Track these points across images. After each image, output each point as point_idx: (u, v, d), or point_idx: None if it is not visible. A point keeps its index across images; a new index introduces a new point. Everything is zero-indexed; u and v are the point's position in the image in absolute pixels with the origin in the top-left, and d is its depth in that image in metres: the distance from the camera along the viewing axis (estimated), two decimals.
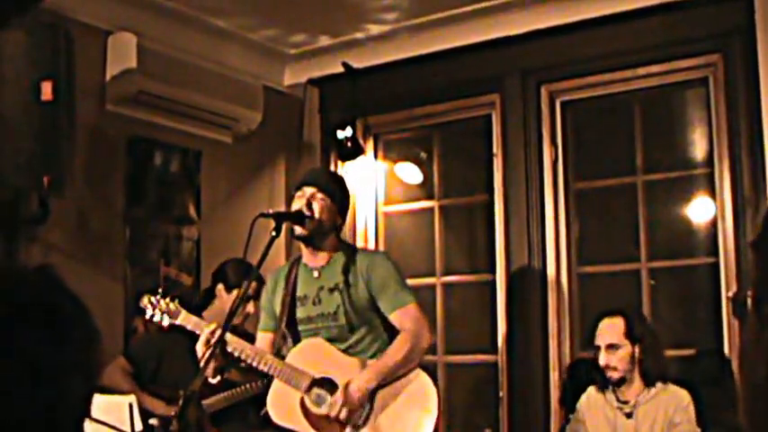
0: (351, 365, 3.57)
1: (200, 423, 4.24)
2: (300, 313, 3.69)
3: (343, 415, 3.47)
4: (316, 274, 3.70)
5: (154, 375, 4.49)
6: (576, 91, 5.15)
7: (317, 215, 3.61)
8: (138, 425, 3.53)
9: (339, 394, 3.49)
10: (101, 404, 3.42)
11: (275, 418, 3.62)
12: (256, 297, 4.39)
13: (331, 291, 3.65)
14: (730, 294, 4.50)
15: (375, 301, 3.64)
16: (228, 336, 3.51)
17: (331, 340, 3.62)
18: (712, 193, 4.73)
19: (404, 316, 3.61)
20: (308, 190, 3.66)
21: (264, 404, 4.28)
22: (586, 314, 4.93)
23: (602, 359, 4.12)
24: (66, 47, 4.12)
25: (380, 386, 3.53)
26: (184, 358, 3.98)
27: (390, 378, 3.54)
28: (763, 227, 1.38)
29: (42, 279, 1.37)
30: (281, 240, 4.69)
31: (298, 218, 3.60)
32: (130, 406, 3.52)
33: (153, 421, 4.21)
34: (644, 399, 4.06)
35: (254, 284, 4.49)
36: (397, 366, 3.54)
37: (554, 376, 4.91)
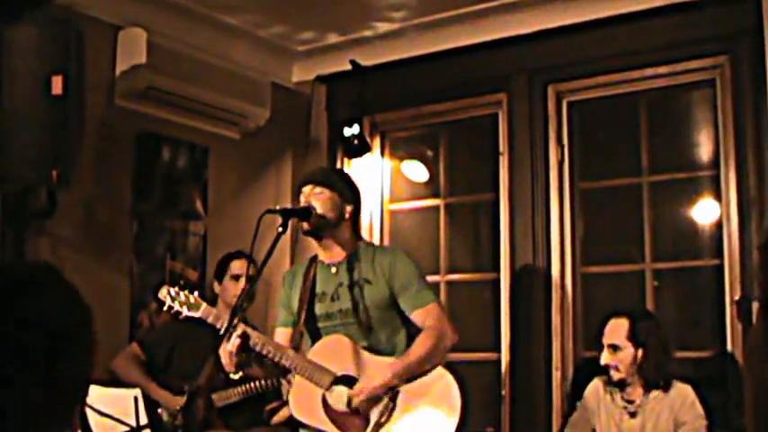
0: (372, 363, 3.55)
1: (208, 417, 4.27)
2: (319, 310, 3.68)
3: (358, 405, 3.46)
4: (333, 270, 3.70)
5: (165, 365, 4.52)
6: (582, 91, 5.16)
7: (319, 210, 3.61)
8: (143, 418, 3.55)
9: (361, 385, 3.48)
10: (106, 397, 3.45)
11: (296, 414, 3.61)
12: (251, 278, 4.47)
13: (351, 287, 3.63)
14: (736, 298, 4.50)
15: (395, 299, 3.62)
16: (250, 330, 3.51)
17: (350, 337, 3.60)
18: (717, 195, 4.74)
19: (426, 314, 3.59)
20: (306, 189, 3.67)
21: (271, 400, 4.32)
22: (590, 314, 4.94)
23: (603, 358, 4.13)
24: (77, 42, 4.13)
25: (405, 384, 3.50)
26: (198, 349, 4.00)
27: (413, 375, 3.50)
28: None
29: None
30: (287, 237, 4.70)
31: (304, 214, 3.61)
32: (135, 399, 3.54)
33: (161, 410, 4.24)
34: (649, 399, 4.07)
35: (243, 263, 4.57)
36: (419, 363, 3.51)
37: (556, 375, 4.92)
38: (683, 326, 4.85)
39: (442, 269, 5.51)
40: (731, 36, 4.66)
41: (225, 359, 3.43)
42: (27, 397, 1.26)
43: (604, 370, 4.16)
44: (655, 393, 4.06)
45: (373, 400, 3.49)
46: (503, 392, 5.08)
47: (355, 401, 3.48)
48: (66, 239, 4.58)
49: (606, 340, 4.14)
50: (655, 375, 4.06)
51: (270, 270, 4.50)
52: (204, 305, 3.70)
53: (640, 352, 4.07)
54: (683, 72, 4.89)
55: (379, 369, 3.53)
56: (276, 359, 3.53)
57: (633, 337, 4.08)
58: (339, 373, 3.55)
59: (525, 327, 5.03)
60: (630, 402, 4.11)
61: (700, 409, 3.99)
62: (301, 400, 3.60)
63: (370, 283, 3.63)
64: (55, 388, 1.29)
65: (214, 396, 4.34)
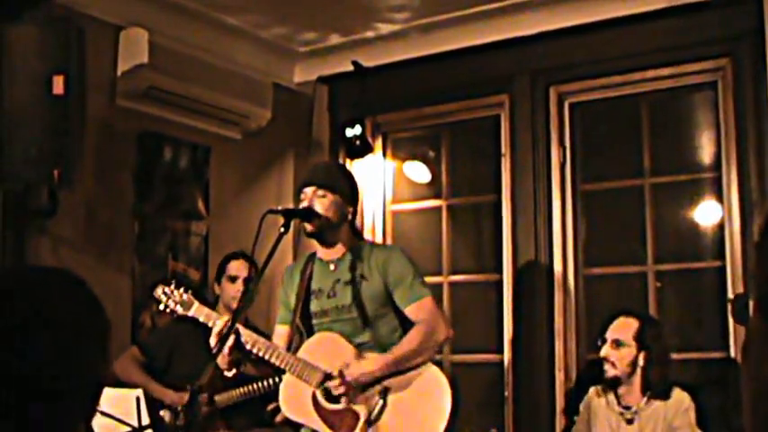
0: (365, 360, 3.56)
1: (210, 417, 4.26)
2: (315, 306, 3.69)
3: (337, 390, 3.46)
4: (332, 267, 3.70)
5: (166, 366, 4.51)
6: (584, 93, 5.16)
7: (322, 213, 3.62)
8: (145, 418, 3.55)
9: (346, 371, 3.48)
10: (108, 397, 3.44)
11: (287, 412, 3.62)
12: (249, 279, 4.51)
13: (347, 283, 3.64)
14: (730, 296, 4.49)
15: (390, 296, 3.63)
16: (241, 328, 3.52)
17: (345, 334, 3.61)
18: (719, 197, 4.74)
19: (419, 309, 3.59)
20: (309, 190, 3.66)
21: (272, 400, 4.31)
22: (592, 315, 4.94)
23: (604, 350, 4.12)
24: (78, 41, 4.13)
25: (393, 377, 3.51)
26: (197, 350, 3.99)
27: (402, 367, 3.51)
28: (765, 227, 1.38)
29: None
30: (289, 237, 4.70)
31: (306, 214, 3.61)
32: (138, 399, 3.54)
33: (163, 413, 4.23)
34: (647, 405, 4.06)
35: (239, 263, 4.58)
36: (407, 357, 3.51)
37: (559, 377, 4.92)
38: (686, 327, 4.85)
39: (444, 270, 5.50)
40: (733, 38, 4.67)
41: (219, 357, 3.43)
42: (43, 402, 1.26)
43: (601, 373, 4.16)
44: (654, 402, 4.05)
45: (358, 390, 3.49)
46: (506, 393, 5.08)
47: (336, 390, 3.47)
48: (68, 239, 4.58)
49: (611, 335, 4.13)
50: (657, 380, 4.05)
51: (272, 270, 4.50)
52: (196, 304, 3.71)
53: (642, 354, 4.07)
54: (684, 74, 4.89)
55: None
56: (266, 357, 3.54)
57: (640, 338, 4.08)
58: (329, 371, 3.54)
59: (528, 328, 5.03)
60: (627, 408, 4.10)
61: (692, 417, 3.99)
62: (292, 397, 3.61)
63: (366, 280, 3.64)
64: (69, 395, 1.29)
65: (216, 397, 4.34)
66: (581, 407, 4.27)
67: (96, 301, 1.37)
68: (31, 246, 4.42)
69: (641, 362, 4.07)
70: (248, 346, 3.52)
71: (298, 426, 3.71)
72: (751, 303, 4.28)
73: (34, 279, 1.35)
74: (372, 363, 3.51)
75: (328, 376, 3.54)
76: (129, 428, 3.43)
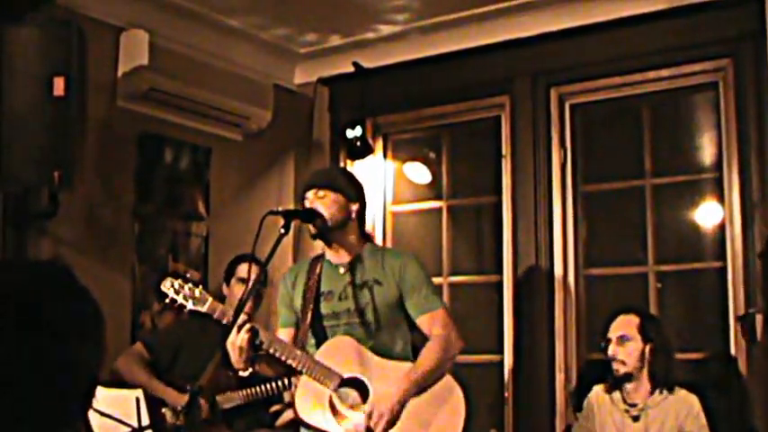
0: (380, 366, 3.55)
1: (212, 418, 4.25)
2: (325, 308, 3.65)
3: (380, 428, 3.44)
4: (342, 270, 3.68)
5: (170, 365, 4.51)
6: (585, 94, 5.15)
7: (325, 214, 3.60)
8: (145, 419, 3.54)
9: (378, 405, 3.46)
10: (108, 397, 3.44)
11: (302, 414, 3.58)
12: (262, 284, 4.45)
13: (360, 287, 3.62)
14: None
15: (403, 301, 3.63)
16: (259, 328, 3.48)
17: (356, 338, 3.58)
18: (720, 198, 4.73)
19: (433, 320, 3.59)
20: (310, 194, 3.65)
21: (275, 402, 4.31)
22: (593, 316, 4.94)
23: (611, 350, 4.12)
24: (79, 43, 4.13)
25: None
26: (202, 352, 3.98)
27: (424, 385, 3.52)
28: None
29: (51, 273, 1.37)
30: (290, 238, 4.70)
31: (307, 215, 3.60)
32: (137, 400, 3.53)
33: (165, 410, 4.23)
34: (653, 402, 4.05)
35: (253, 268, 4.53)
36: (429, 374, 3.52)
37: (560, 378, 4.92)
38: (687, 328, 4.85)
39: (444, 271, 5.50)
40: (734, 39, 4.66)
41: (234, 355, 3.40)
42: (34, 398, 1.25)
43: (607, 373, 4.16)
44: (658, 396, 4.04)
45: (393, 421, 3.49)
46: (506, 395, 5.07)
47: (379, 429, 3.46)
48: (68, 240, 4.58)
49: (615, 333, 4.13)
50: (663, 372, 4.05)
51: (271, 272, 4.50)
52: (210, 299, 3.61)
53: (648, 347, 4.07)
54: (685, 75, 4.89)
55: (386, 373, 3.53)
56: (284, 358, 3.51)
57: (643, 331, 4.09)
58: (346, 375, 3.53)
59: (528, 329, 5.03)
60: (633, 406, 4.10)
61: (704, 421, 3.99)
62: (308, 400, 3.57)
63: (380, 284, 3.62)
64: (62, 389, 1.28)
65: (218, 398, 4.33)
66: (584, 404, 4.27)
67: (85, 291, 1.36)
68: (32, 247, 4.42)
69: (648, 355, 4.07)
70: (265, 346, 3.48)
71: (304, 428, 3.69)
72: (758, 317, 4.23)
73: (20, 273, 1.33)
74: (399, 387, 3.48)
75: (345, 381, 3.52)
76: (129, 429, 3.43)
